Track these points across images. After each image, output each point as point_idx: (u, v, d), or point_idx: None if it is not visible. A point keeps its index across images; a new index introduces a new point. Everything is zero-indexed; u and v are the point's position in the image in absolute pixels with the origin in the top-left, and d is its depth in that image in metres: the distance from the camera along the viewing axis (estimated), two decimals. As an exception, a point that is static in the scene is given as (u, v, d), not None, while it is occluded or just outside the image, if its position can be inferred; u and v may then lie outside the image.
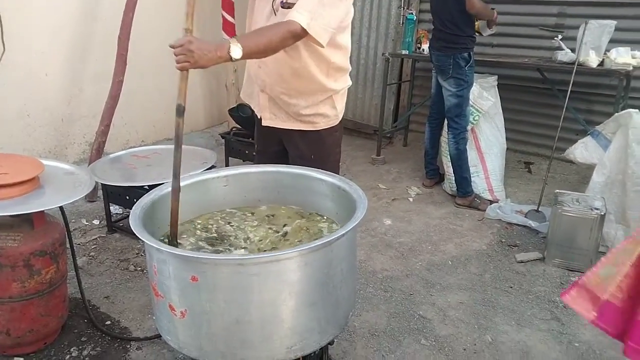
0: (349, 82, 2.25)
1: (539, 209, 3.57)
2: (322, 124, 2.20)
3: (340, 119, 2.26)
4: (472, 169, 3.83)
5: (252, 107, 2.35)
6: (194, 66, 1.61)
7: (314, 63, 2.04)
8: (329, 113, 2.19)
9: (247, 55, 1.74)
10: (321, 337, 1.52)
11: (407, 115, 5.22)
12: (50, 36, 3.89)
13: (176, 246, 1.63)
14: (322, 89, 2.13)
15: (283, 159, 2.29)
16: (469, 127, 3.78)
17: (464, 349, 2.30)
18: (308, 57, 2.02)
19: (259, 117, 2.27)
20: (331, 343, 2.02)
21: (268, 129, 2.25)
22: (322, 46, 1.91)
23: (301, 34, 1.84)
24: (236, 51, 1.68)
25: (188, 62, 1.59)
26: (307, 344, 1.48)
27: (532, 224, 3.45)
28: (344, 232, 1.45)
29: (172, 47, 1.60)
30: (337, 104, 2.19)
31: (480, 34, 3.77)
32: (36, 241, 2.02)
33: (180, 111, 1.59)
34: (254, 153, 2.41)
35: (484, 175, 3.92)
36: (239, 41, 1.70)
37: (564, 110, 3.54)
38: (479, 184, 3.91)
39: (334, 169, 2.25)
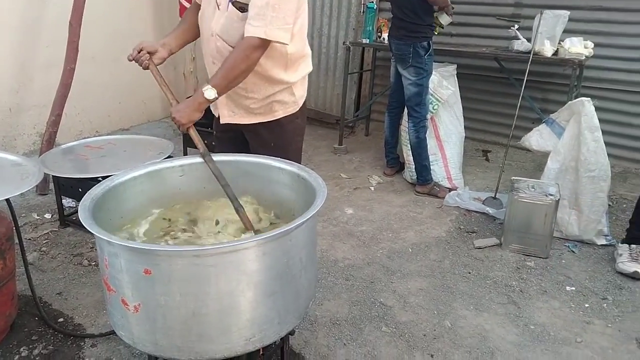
0: (309, 68, 2.18)
1: (496, 196, 3.64)
2: (281, 112, 2.14)
3: (300, 105, 2.19)
4: (431, 157, 3.87)
5: (214, 110, 2.24)
6: (185, 123, 1.86)
7: (270, 61, 1.97)
8: (287, 100, 2.13)
9: (223, 91, 1.89)
10: (281, 328, 1.50)
11: (368, 105, 5.23)
12: (-4, 21, 3.71)
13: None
14: (280, 82, 2.07)
15: (243, 146, 2.22)
16: (428, 116, 3.81)
17: (424, 335, 2.33)
18: (263, 56, 1.92)
19: (216, 115, 2.20)
20: (292, 333, 2.00)
21: (227, 124, 2.18)
22: (286, 44, 1.90)
23: (263, 44, 1.84)
24: (210, 94, 1.84)
25: (182, 124, 1.87)
26: (267, 335, 1.46)
27: (490, 210, 3.52)
28: (302, 220, 1.42)
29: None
30: (295, 91, 2.13)
31: (441, 25, 3.77)
32: (-20, 236, 1.93)
33: (204, 155, 1.85)
34: (213, 142, 2.34)
35: (443, 163, 3.97)
36: (210, 83, 1.85)
37: (520, 98, 3.61)
38: (438, 172, 3.95)
39: (296, 157, 2.22)
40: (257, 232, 1.74)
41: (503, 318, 2.47)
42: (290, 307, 1.52)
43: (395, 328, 2.37)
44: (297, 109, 2.18)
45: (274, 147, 2.14)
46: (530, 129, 3.49)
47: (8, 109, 3.89)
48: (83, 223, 1.39)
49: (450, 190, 3.86)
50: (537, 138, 3.38)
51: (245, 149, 2.20)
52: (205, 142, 1.91)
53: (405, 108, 3.86)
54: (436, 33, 3.78)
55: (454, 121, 4.01)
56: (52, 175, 3.09)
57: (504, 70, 4.36)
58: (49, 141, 3.59)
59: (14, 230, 2.14)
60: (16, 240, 2.16)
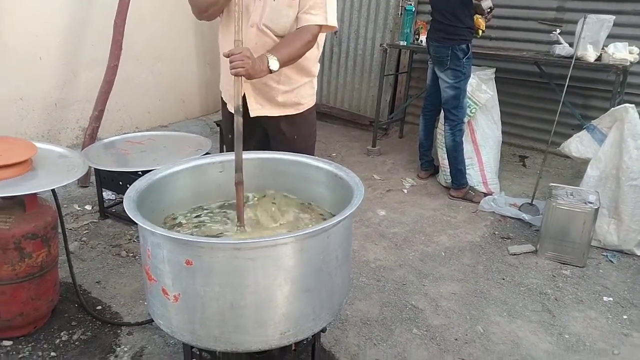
0: (319, 66, 2.37)
1: (533, 202, 3.58)
2: (304, 105, 2.28)
3: (316, 97, 2.37)
4: (467, 161, 3.83)
5: (227, 100, 2.30)
6: (247, 73, 1.78)
7: (311, 51, 2.11)
8: (310, 93, 2.29)
9: (282, 65, 1.93)
10: (315, 324, 1.51)
11: (403, 107, 5.21)
12: (45, 19, 3.85)
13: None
14: (309, 74, 2.23)
15: (264, 143, 2.31)
16: (465, 119, 3.77)
17: (456, 339, 2.31)
18: None
19: (237, 107, 2.19)
20: (323, 330, 2.01)
21: (252, 120, 2.21)
22: (336, 29, 2.10)
23: (320, 32, 2.06)
24: (274, 64, 1.88)
25: (244, 69, 1.75)
26: (301, 330, 1.48)
27: (526, 217, 3.46)
28: (341, 218, 1.44)
29: (228, 55, 1.77)
30: (314, 84, 2.31)
31: (482, 13, 3.66)
32: (28, 224, 2.01)
33: (238, 111, 1.73)
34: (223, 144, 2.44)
35: (479, 167, 3.92)
36: (274, 55, 1.89)
37: (561, 104, 3.54)
38: (473, 177, 3.91)
39: (314, 148, 2.38)
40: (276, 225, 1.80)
41: (537, 326, 2.43)
42: (325, 303, 1.53)
43: (426, 331, 2.36)
44: (315, 102, 2.35)
45: (296, 139, 2.25)
46: (570, 136, 3.43)
47: (54, 103, 4.03)
48: (128, 213, 1.43)
49: (485, 195, 3.81)
50: (577, 144, 3.32)
51: (265, 146, 2.29)
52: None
53: (442, 111, 3.84)
54: (478, 36, 3.75)
55: (492, 125, 3.96)
56: (94, 168, 3.19)
57: (545, 75, 4.28)
58: (92, 135, 3.70)
59: (58, 220, 2.21)
60: (59, 230, 2.24)
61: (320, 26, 2.03)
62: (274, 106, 2.21)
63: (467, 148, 3.85)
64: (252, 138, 2.28)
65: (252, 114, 2.20)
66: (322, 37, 2.19)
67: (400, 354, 2.20)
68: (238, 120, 1.72)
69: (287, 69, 2.09)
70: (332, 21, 2.05)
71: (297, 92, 2.22)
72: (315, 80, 2.31)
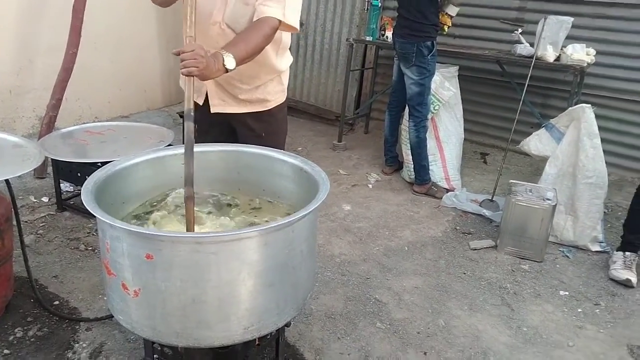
0: (291, 59, 2.28)
1: (493, 199, 3.66)
2: (272, 103, 2.20)
3: (286, 94, 2.28)
4: (430, 158, 3.89)
5: (197, 98, 2.16)
6: (201, 73, 1.58)
7: (270, 46, 1.99)
8: (277, 90, 2.20)
9: (239, 63, 1.74)
10: (279, 318, 1.50)
11: (369, 103, 5.24)
12: (-2, 2, 3.68)
13: None
14: (273, 71, 2.13)
15: (231, 138, 2.22)
16: (429, 116, 3.82)
17: (418, 332, 2.34)
18: None
19: (200, 103, 2.15)
20: (288, 325, 2.00)
21: (216, 115, 2.16)
22: (297, 31, 1.95)
23: (278, 27, 1.87)
24: (230, 63, 1.69)
25: (196, 68, 1.56)
26: (265, 324, 1.47)
27: (486, 212, 3.54)
28: (306, 212, 1.43)
29: (178, 53, 1.58)
30: (283, 80, 2.22)
31: (450, 16, 3.75)
32: (-21, 216, 1.92)
33: (189, 116, 1.54)
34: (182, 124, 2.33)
35: (442, 164, 3.98)
36: (230, 52, 1.70)
37: (521, 103, 3.63)
38: (436, 173, 3.97)
39: (283, 145, 2.28)
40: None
41: (496, 319, 2.49)
42: (289, 298, 1.52)
43: (389, 325, 2.38)
44: (285, 98, 2.27)
45: (265, 136, 2.18)
46: (529, 134, 3.51)
47: (8, 90, 3.87)
48: (86, 205, 1.38)
49: (447, 191, 3.87)
50: (536, 142, 3.40)
51: (232, 140, 2.20)
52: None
53: (407, 107, 3.87)
54: (444, 32, 3.79)
55: (454, 122, 4.03)
56: (51, 159, 3.08)
57: (506, 74, 4.37)
58: (49, 125, 3.58)
59: (13, 212, 2.13)
60: (14, 222, 2.15)
61: (280, 21, 1.85)
62: (238, 103, 2.13)
63: (431, 144, 3.90)
64: (220, 134, 2.21)
65: (212, 110, 2.14)
66: (285, 35, 2.09)
67: (364, 347, 2.21)
68: (189, 127, 1.53)
69: (249, 67, 1.92)
70: (291, 19, 1.87)
71: (262, 89, 2.14)
72: (284, 76, 2.22)
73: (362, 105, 5.33)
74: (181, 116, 4.07)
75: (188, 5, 1.57)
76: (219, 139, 2.11)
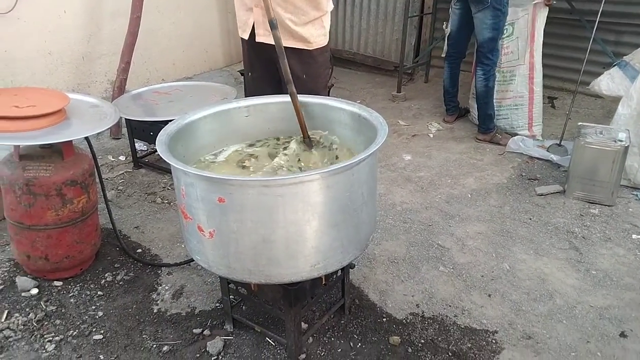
0: (332, 5, 2.35)
1: (561, 143, 3.53)
2: (314, 44, 2.28)
3: (328, 39, 2.35)
4: (517, 101, 3.74)
5: (243, 33, 2.34)
6: None
7: None
8: (319, 32, 2.28)
9: None
10: (343, 257, 1.58)
11: (428, 50, 5.10)
12: (66, -28, 3.85)
13: (310, 145, 1.90)
14: (316, 7, 2.21)
15: (276, 83, 2.33)
16: (499, 64, 3.64)
17: (482, 276, 2.37)
18: None
19: (245, 38, 2.31)
20: (352, 266, 2.09)
21: (260, 49, 2.26)
22: None
23: None
24: None
25: None
26: (330, 262, 1.55)
27: (554, 157, 3.43)
28: (365, 155, 1.47)
29: None
30: (325, 23, 2.30)
31: None
32: (67, 171, 2.10)
33: (274, 25, 1.81)
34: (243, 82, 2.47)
35: (529, 107, 3.77)
36: None
37: (591, 41, 3.42)
38: (519, 117, 3.79)
39: (324, 91, 2.39)
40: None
41: (564, 263, 2.46)
42: (352, 238, 1.59)
43: (452, 268, 2.41)
44: (326, 42, 2.34)
45: (305, 78, 2.27)
46: (600, 74, 3.33)
47: (81, 57, 4.09)
48: (161, 155, 1.49)
49: (513, 136, 3.75)
50: (608, 82, 3.24)
51: (276, 81, 2.30)
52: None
53: (475, 55, 3.69)
54: None
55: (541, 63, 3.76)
56: (125, 119, 3.27)
57: (575, 11, 4.12)
58: (120, 88, 3.77)
59: (95, 168, 2.31)
60: (96, 178, 2.33)
61: None
62: (282, 34, 2.15)
63: (521, 85, 3.72)
64: (266, 72, 2.35)
65: (257, 39, 2.25)
66: None
67: (428, 289, 2.27)
68: (275, 34, 1.81)
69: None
70: None
71: (306, 28, 2.22)
72: (326, 19, 2.30)
73: (422, 54, 5.19)
74: (242, 74, 4.16)
75: None
76: (265, 76, 2.28)
